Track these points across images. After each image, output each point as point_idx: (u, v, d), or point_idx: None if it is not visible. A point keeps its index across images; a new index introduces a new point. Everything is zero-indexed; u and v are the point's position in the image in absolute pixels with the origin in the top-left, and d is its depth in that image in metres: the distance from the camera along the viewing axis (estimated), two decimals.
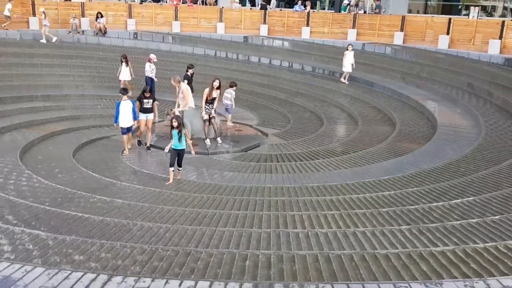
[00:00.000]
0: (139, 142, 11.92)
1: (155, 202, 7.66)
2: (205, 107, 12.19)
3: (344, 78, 18.19)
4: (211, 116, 12.27)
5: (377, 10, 23.33)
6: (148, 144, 11.79)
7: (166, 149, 9.47)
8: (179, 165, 9.49)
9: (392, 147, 11.43)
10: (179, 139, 9.12)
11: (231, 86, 13.97)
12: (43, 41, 19.82)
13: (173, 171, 9.29)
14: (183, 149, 9.35)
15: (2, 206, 6.77)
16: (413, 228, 5.92)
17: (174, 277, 4.20)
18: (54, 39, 20.02)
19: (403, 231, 5.82)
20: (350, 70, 17.89)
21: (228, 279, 4.35)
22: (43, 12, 19.79)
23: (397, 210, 6.94)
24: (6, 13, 19.91)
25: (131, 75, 15.98)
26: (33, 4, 21.37)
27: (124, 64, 15.68)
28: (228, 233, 5.87)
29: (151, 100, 11.58)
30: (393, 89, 16.81)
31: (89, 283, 3.74)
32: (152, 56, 15.79)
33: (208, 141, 12.38)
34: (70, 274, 3.88)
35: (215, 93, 12.23)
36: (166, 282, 3.79)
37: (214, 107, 12.30)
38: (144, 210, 7.07)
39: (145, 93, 11.43)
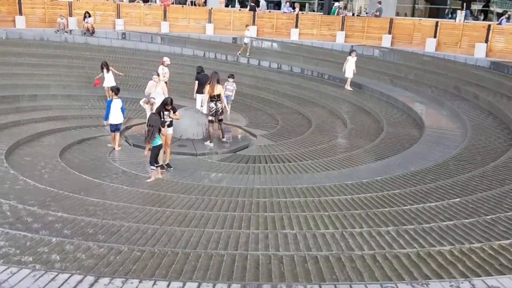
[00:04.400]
0: (162, 166, 10.02)
1: (143, 203, 7.62)
2: (209, 106, 12.03)
3: (348, 84, 17.64)
4: (218, 115, 12.03)
5: (377, 13, 23.50)
6: (167, 162, 10.44)
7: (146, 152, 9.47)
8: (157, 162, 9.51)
9: (380, 149, 11.53)
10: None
11: (231, 77, 14.18)
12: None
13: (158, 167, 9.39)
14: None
15: None
16: (399, 229, 5.97)
17: (162, 278, 4.18)
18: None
19: (390, 232, 5.87)
20: (351, 75, 17.45)
21: (216, 280, 4.35)
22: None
23: (384, 211, 6.99)
24: None
25: (118, 75, 15.67)
26: (19, 3, 21.09)
27: (105, 70, 15.02)
28: (217, 234, 5.86)
29: (171, 112, 10.30)
30: (381, 91, 16.96)
31: (76, 284, 3.71)
32: (166, 58, 15.32)
33: (210, 143, 12.15)
34: (56, 275, 3.84)
35: (218, 89, 11.92)
36: (154, 284, 3.78)
37: (221, 106, 12.03)
38: (132, 211, 7.02)
39: (166, 106, 10.08)
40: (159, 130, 9.29)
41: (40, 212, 6.53)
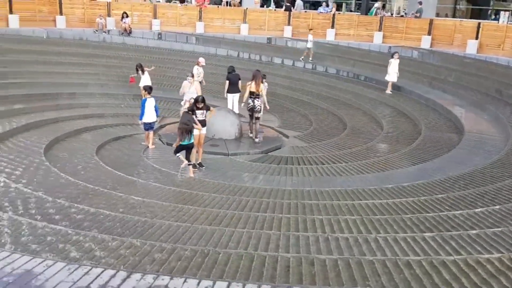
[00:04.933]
0: (194, 165, 10.06)
1: (175, 201, 7.68)
2: (247, 102, 12.32)
3: (389, 88, 17.10)
4: (254, 112, 12.30)
5: (418, 14, 22.98)
6: (199, 161, 10.43)
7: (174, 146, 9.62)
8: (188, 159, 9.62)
9: (417, 153, 11.21)
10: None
11: (263, 77, 14.18)
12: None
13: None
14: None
15: (27, 201, 6.87)
16: (436, 236, 5.77)
17: (192, 276, 4.17)
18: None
19: (426, 238, 5.68)
20: (395, 79, 16.80)
21: (246, 280, 4.31)
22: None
23: (420, 216, 6.77)
24: None
25: (150, 71, 15.87)
26: (60, 3, 21.78)
27: (140, 72, 15.24)
28: (247, 234, 5.82)
29: (205, 111, 10.22)
30: (419, 93, 16.52)
31: (108, 279, 3.74)
32: (201, 59, 15.48)
33: (258, 138, 12.50)
34: (90, 270, 3.90)
35: (261, 86, 12.24)
36: (184, 281, 3.77)
37: (259, 104, 12.26)
38: (164, 208, 7.08)
39: (197, 104, 10.02)
40: (191, 129, 9.37)
41: (78, 207, 6.68)
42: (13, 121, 12.00)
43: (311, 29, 21.54)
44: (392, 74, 16.73)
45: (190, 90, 12.44)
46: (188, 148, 9.54)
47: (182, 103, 11.61)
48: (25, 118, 12.49)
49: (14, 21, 19.88)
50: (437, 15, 26.74)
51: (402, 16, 25.70)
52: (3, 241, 5.01)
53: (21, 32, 19.50)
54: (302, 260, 4.84)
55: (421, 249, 5.39)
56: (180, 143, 9.33)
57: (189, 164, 9.62)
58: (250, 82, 12.30)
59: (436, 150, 11.34)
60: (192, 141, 9.49)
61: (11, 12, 19.89)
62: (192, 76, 13.02)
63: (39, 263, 3.96)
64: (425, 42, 21.52)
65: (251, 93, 12.23)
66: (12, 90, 14.68)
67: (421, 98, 16.24)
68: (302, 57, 21.00)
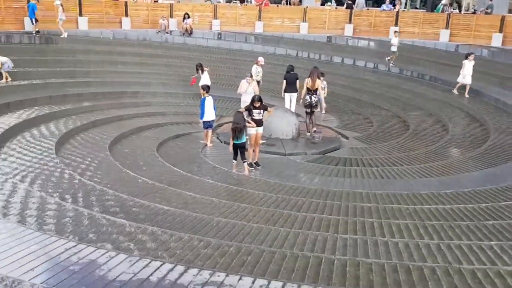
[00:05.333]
0: (251, 164, 10.22)
1: (232, 199, 7.73)
2: (304, 99, 12.56)
3: (459, 89, 16.13)
4: (312, 107, 12.53)
5: (488, 10, 21.80)
6: (255, 160, 10.44)
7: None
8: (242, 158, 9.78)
9: (485, 157, 10.57)
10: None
11: (322, 75, 14.35)
12: (64, 35, 19.04)
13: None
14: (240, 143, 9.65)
15: (89, 193, 7.21)
16: (504, 244, 5.39)
17: (248, 274, 4.17)
18: (65, 34, 19.18)
19: (482, 247, 5.35)
20: (470, 81, 15.76)
21: (301, 282, 4.24)
22: (61, 5, 19.05)
23: (479, 224, 6.39)
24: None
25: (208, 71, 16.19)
26: (126, 6, 22.73)
27: (200, 72, 15.60)
28: (303, 235, 5.75)
29: (262, 111, 10.18)
30: (489, 94, 15.58)
31: (166, 272, 3.83)
32: (260, 59, 15.68)
33: (317, 136, 12.65)
34: (149, 262, 4.01)
35: (317, 84, 12.48)
36: (240, 279, 3.79)
37: (315, 100, 12.57)
38: (221, 206, 7.15)
39: (254, 103, 10.04)
40: (243, 128, 9.48)
41: (134, 200, 6.91)
42: (82, 118, 12.69)
43: (396, 32, 20.24)
44: (467, 76, 15.64)
45: (248, 90, 12.51)
46: (240, 147, 9.65)
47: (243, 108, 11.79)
48: (92, 116, 13.16)
49: (83, 23, 21.03)
50: (510, 11, 25.12)
51: (473, 12, 24.41)
52: (67, 231, 5.27)
53: (90, 34, 20.57)
54: (360, 264, 4.71)
55: (476, 258, 5.12)
56: (233, 141, 9.55)
57: (243, 162, 9.74)
58: (307, 79, 12.47)
59: (506, 155, 10.64)
60: (243, 140, 9.59)
61: (80, 14, 21.05)
62: (251, 76, 13.09)
63: (102, 254, 4.13)
64: (496, 40, 20.29)
65: (308, 89, 12.45)
66: (81, 88, 15.52)
67: (491, 99, 15.31)
68: (392, 62, 19.82)
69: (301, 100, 12.91)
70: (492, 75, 17.39)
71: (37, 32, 18.36)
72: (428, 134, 13.19)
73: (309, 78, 12.42)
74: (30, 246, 4.25)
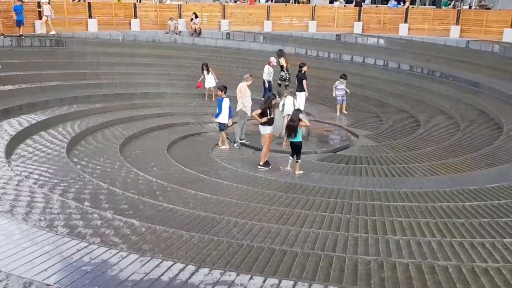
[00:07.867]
0: (267, 163, 10.33)
1: (242, 199, 7.73)
2: (281, 74, 14.63)
3: None
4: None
5: (486, 3, 21.51)
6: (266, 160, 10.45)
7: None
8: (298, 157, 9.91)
9: (497, 154, 10.45)
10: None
11: (344, 78, 14.91)
12: (52, 33, 19.01)
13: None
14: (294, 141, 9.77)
15: (99, 193, 7.26)
16: None
17: (259, 274, 4.16)
18: (52, 32, 19.14)
19: (506, 245, 5.29)
20: None
21: (312, 281, 4.22)
22: (48, 3, 19.10)
23: (500, 221, 6.30)
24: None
25: (215, 79, 16.25)
26: (135, 7, 22.85)
27: (205, 72, 15.70)
28: (314, 234, 5.73)
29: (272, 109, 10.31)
30: (501, 90, 15.38)
31: (178, 272, 3.85)
32: (272, 59, 15.73)
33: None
34: (161, 262, 4.02)
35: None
36: (251, 278, 3.79)
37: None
38: (231, 205, 7.16)
39: (271, 102, 10.17)
40: (297, 127, 9.59)
41: (149, 201, 6.95)
42: (93, 119, 12.80)
43: None
44: None
45: (247, 93, 12.13)
46: (295, 146, 9.78)
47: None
48: (103, 117, 13.28)
49: (93, 25, 21.20)
50: None
51: (488, 8, 24.09)
52: (77, 231, 5.31)
53: (99, 36, 20.71)
54: (371, 263, 4.67)
55: (500, 256, 5.02)
56: (289, 140, 9.77)
57: (296, 162, 9.88)
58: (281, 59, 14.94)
59: None
60: (299, 139, 9.72)
61: (90, 16, 21.21)
62: (250, 75, 12.92)
63: (114, 254, 4.16)
64: (508, 36, 20.00)
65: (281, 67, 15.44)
66: (92, 90, 15.65)
67: (503, 95, 15.10)
68: None
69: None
70: (504, 71, 17.14)
71: (21, 36, 17.68)
72: (439, 131, 13.06)
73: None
74: (43, 246, 4.30)
